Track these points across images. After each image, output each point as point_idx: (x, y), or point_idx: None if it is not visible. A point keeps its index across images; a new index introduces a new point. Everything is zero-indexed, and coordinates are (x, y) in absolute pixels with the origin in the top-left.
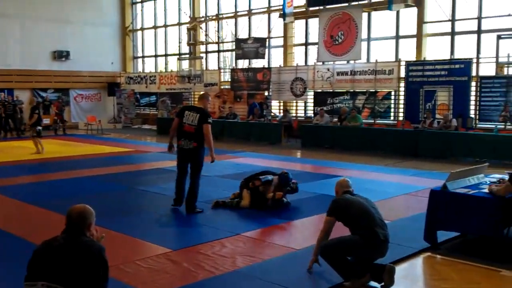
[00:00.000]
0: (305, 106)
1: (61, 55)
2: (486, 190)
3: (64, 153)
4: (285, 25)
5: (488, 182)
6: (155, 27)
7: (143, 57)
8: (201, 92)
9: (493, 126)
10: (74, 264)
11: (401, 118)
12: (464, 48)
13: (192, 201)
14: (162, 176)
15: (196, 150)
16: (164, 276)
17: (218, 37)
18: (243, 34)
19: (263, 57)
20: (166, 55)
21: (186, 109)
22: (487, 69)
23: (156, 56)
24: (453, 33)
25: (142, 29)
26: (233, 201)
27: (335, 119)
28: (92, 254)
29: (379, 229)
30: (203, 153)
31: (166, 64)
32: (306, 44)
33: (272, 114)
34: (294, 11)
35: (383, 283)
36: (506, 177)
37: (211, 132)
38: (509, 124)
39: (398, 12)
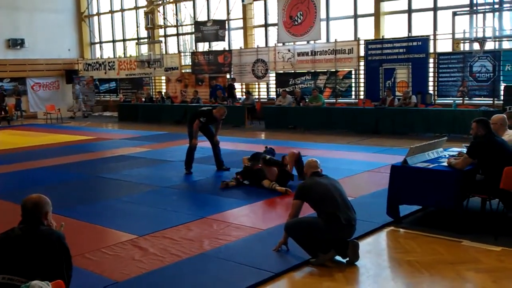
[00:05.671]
0: (268, 88)
1: (15, 43)
2: (445, 164)
3: (23, 144)
4: (244, 7)
5: (447, 156)
6: (111, 12)
7: (100, 42)
8: (163, 77)
9: (452, 101)
10: (35, 254)
11: (362, 97)
12: (421, 26)
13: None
14: (125, 163)
15: None
16: (130, 262)
17: (177, 20)
18: (202, 17)
19: (223, 40)
20: (124, 40)
21: None
22: (444, 46)
23: (114, 41)
24: (410, 11)
25: (98, 14)
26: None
27: (293, 101)
28: (51, 242)
29: (342, 213)
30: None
31: (124, 49)
32: (266, 25)
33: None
34: None
35: (348, 258)
36: (464, 150)
37: (194, 126)
38: (466, 99)
39: None
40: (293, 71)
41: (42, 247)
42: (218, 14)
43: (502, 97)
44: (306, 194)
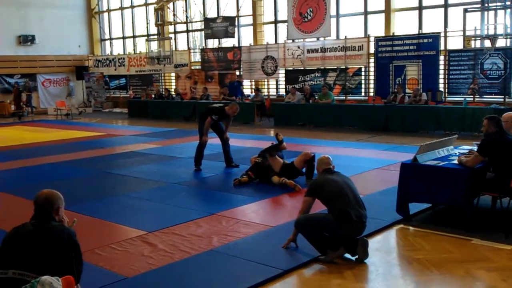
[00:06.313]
0: (277, 85)
1: (26, 40)
2: (456, 162)
3: (34, 140)
4: (254, 3)
5: (458, 154)
6: (121, 8)
7: (110, 39)
8: (172, 74)
9: (462, 99)
10: (45, 250)
11: (372, 94)
12: (432, 22)
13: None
14: (134, 159)
15: None
16: (140, 258)
17: (186, 16)
18: (211, 13)
19: (232, 36)
20: (134, 36)
21: None
22: (455, 43)
23: (124, 38)
24: (420, 8)
25: (108, 10)
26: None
27: (303, 98)
28: (62, 238)
29: (353, 210)
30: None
31: (134, 45)
32: (276, 22)
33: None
34: None
35: (357, 256)
36: (475, 148)
37: (206, 123)
38: (477, 96)
39: None
40: (302, 68)
41: (52, 243)
42: (228, 10)
43: None
44: (318, 190)
